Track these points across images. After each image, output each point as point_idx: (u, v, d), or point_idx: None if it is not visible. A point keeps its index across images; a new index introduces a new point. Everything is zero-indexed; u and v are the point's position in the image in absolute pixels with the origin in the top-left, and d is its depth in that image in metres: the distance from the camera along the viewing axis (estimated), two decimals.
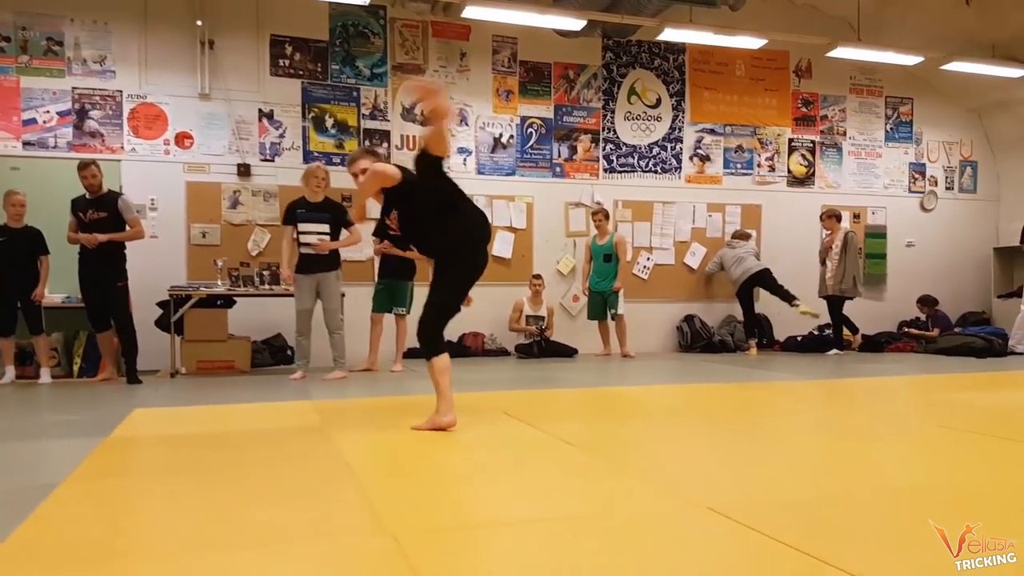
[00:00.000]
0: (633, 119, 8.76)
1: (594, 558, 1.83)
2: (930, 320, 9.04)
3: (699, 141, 9.02)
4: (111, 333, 5.95)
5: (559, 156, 8.51)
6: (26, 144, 6.84)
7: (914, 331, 8.95)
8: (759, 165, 9.24)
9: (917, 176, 9.93)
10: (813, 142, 9.45)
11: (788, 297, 8.15)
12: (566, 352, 7.96)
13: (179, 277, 7.05)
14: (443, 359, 3.46)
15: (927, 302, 9.11)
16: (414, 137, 7.96)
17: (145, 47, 7.15)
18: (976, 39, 8.87)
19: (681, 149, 8.95)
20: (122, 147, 7.10)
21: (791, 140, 9.36)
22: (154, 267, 6.89)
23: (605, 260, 8.00)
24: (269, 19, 7.49)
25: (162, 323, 6.43)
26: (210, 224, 7.33)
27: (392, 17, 7.87)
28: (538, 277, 8.03)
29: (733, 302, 8.71)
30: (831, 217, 8.44)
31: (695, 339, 8.69)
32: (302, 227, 5.86)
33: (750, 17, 8.12)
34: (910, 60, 8.56)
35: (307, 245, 5.84)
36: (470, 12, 7.09)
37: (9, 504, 2.34)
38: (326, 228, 5.91)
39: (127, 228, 5.88)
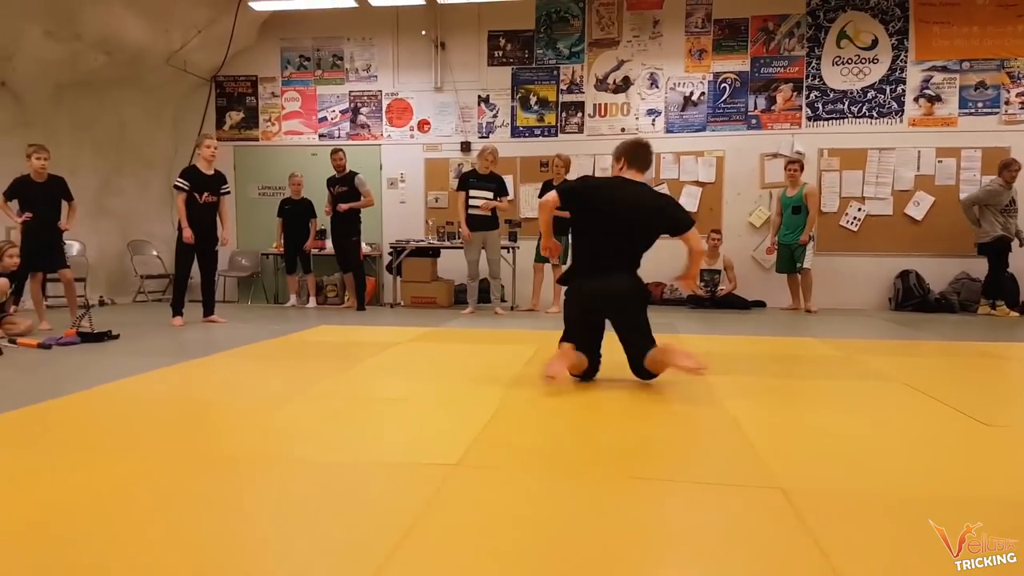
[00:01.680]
0: (843, 63, 8.35)
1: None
2: None
3: (927, 81, 8.20)
4: (350, 275, 8.08)
5: (755, 108, 8.56)
6: (321, 136, 9.42)
7: None
8: (1007, 103, 8.04)
9: None
10: None
11: None
12: (742, 304, 8.14)
13: (420, 233, 9.04)
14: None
15: None
16: (605, 105, 8.81)
17: (397, 54, 9.21)
18: None
19: (904, 91, 8.25)
20: (382, 134, 9.31)
21: None
22: (401, 225, 9.03)
23: (794, 212, 7.93)
24: (488, 18, 8.98)
25: (389, 268, 8.48)
26: (441, 191, 9.20)
27: (590, 0, 8.78)
28: (717, 231, 8.32)
29: (968, 258, 7.86)
30: None
31: (907, 296, 8.07)
32: (473, 193, 7.28)
33: None
34: None
35: (476, 207, 7.25)
36: None
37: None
38: (491, 195, 7.25)
39: (361, 199, 7.90)
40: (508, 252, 8.21)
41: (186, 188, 6.18)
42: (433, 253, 8.42)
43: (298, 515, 1.84)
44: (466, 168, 8.52)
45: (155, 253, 9.16)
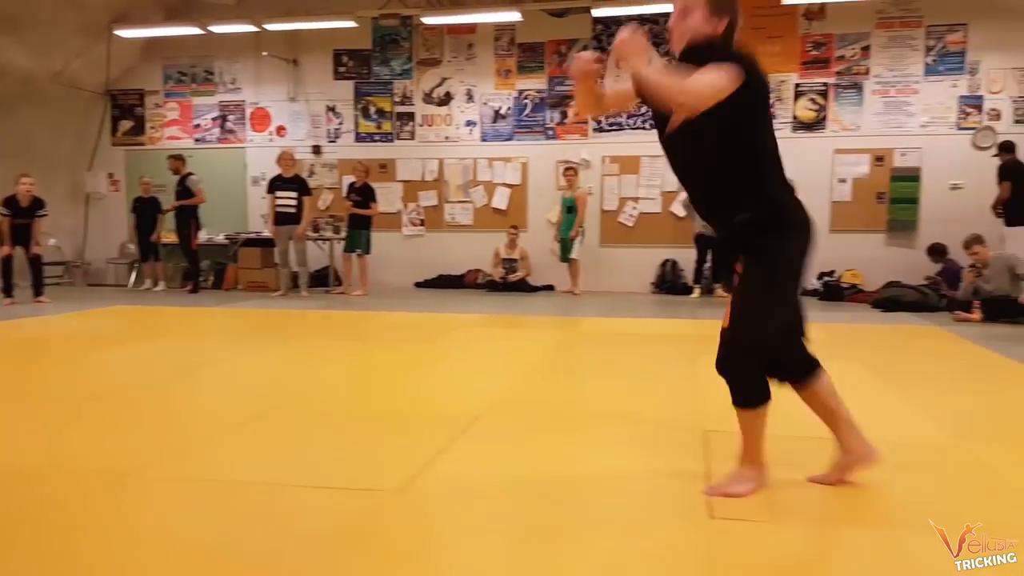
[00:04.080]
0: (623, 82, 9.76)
1: None
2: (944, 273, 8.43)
3: None
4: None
5: (551, 121, 10.02)
6: (196, 140, 11.01)
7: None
8: None
9: (970, 110, 8.91)
10: (825, 85, 9.22)
11: None
12: (529, 288, 9.69)
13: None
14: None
15: (936, 252, 8.49)
16: (432, 116, 10.32)
17: (258, 69, 10.73)
18: None
19: None
20: (246, 139, 10.88)
21: (797, 85, 9.29)
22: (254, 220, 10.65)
23: (569, 211, 9.43)
24: (334, 39, 10.43)
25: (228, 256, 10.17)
26: None
27: (417, 24, 10.20)
28: (514, 227, 9.84)
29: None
30: None
31: (664, 281, 9.60)
32: (279, 194, 8.85)
33: None
34: None
35: (281, 206, 8.82)
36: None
37: None
38: (295, 195, 8.83)
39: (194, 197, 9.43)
40: (326, 244, 9.87)
41: (7, 214, 7.95)
42: (268, 243, 9.98)
43: None
44: (316, 170, 10.12)
45: (54, 242, 10.84)
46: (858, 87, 9.16)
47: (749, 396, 2.23)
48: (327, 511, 2.18)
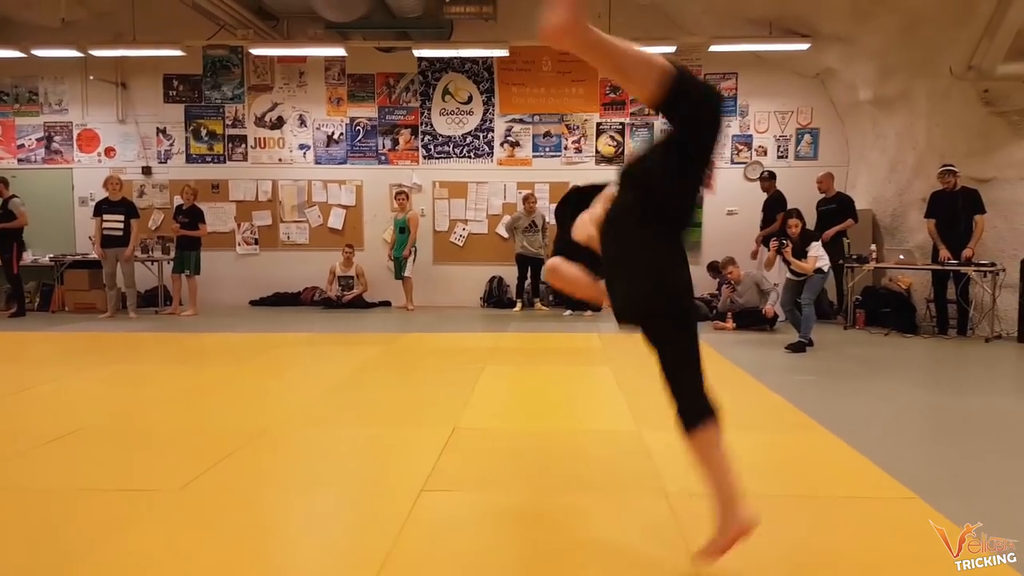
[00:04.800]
0: (448, 114, 10.61)
1: None
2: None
3: (509, 130, 10.59)
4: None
5: (384, 147, 10.69)
6: (20, 161, 10.78)
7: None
8: (566, 148, 10.56)
9: (741, 147, 10.43)
10: (623, 124, 10.48)
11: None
12: (365, 304, 10.31)
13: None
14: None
15: (714, 268, 9.86)
16: (264, 139, 10.71)
17: (85, 91, 10.68)
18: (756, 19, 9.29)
19: (493, 137, 10.61)
20: (74, 159, 10.79)
21: (599, 124, 10.50)
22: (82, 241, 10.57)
23: (401, 232, 10.14)
24: (163, 64, 10.58)
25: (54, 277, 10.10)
26: None
27: (247, 53, 10.56)
28: (350, 246, 10.42)
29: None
30: None
31: (491, 296, 10.50)
32: (106, 217, 8.98)
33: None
34: (668, 48, 9.31)
35: (109, 229, 8.96)
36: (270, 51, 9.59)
37: None
38: (122, 218, 8.99)
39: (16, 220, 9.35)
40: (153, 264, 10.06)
41: None
42: (95, 265, 10.00)
43: None
44: (147, 190, 10.24)
45: None
46: (649, 126, 10.47)
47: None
48: (104, 509, 2.76)
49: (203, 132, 10.75)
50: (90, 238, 9.69)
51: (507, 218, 10.55)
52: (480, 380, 5.13)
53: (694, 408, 2.17)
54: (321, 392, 4.85)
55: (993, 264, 7.56)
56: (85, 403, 4.63)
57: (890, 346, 7.18)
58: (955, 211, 7.79)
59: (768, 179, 9.47)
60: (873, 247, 8.46)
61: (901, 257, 8.35)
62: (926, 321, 8.18)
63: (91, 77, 10.39)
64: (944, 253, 7.79)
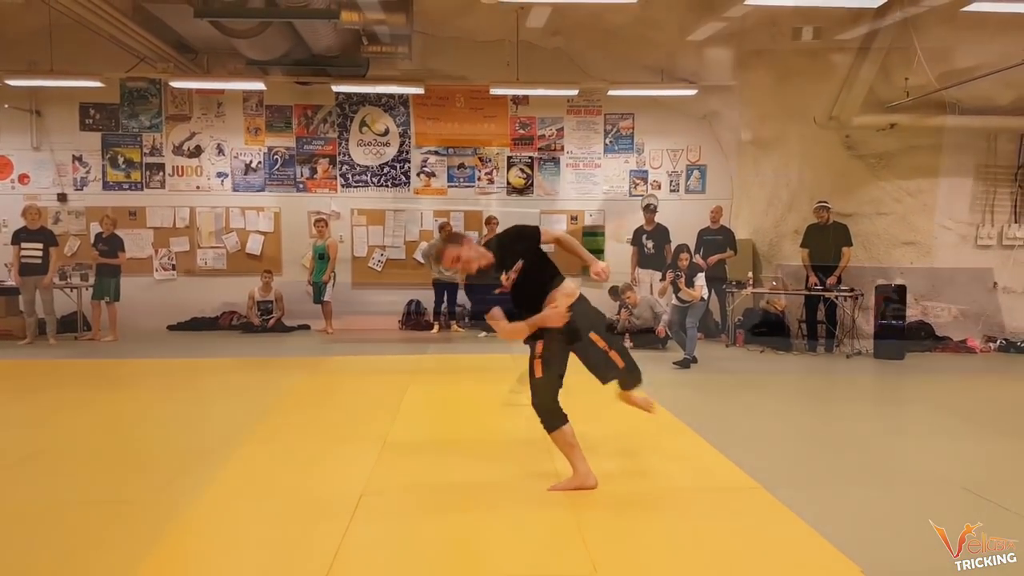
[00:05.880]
0: (366, 145, 11.13)
1: None
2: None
3: (425, 161, 11.21)
4: None
5: (302, 176, 11.10)
6: None
7: None
8: (479, 179, 11.26)
9: (638, 181, 11.41)
10: (531, 158, 11.29)
11: None
12: (285, 328, 10.65)
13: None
14: (565, 431, 3.57)
15: (614, 292, 10.72)
16: (183, 167, 10.92)
17: None
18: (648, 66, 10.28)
19: (410, 167, 11.20)
20: None
21: (510, 157, 11.27)
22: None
23: (320, 257, 10.53)
24: (79, 93, 10.63)
25: None
26: None
27: (165, 83, 10.77)
28: (268, 271, 10.75)
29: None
30: None
31: (410, 319, 11.03)
32: (24, 246, 9.04)
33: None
34: (570, 92, 10.21)
35: (27, 257, 9.02)
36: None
37: None
38: (40, 245, 9.06)
39: None
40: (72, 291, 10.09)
41: None
42: (12, 291, 9.96)
43: None
44: (63, 217, 10.28)
45: None
46: (556, 160, 11.32)
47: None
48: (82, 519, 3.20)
49: (120, 160, 10.86)
50: (7, 265, 9.66)
51: (424, 245, 11.12)
52: (405, 398, 5.70)
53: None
54: (256, 414, 5.31)
55: (852, 289, 8.71)
56: (27, 429, 4.92)
57: (765, 361, 8.18)
58: (826, 243, 8.92)
59: (652, 211, 10.36)
60: (750, 274, 9.52)
61: (774, 283, 9.44)
62: (798, 339, 9.27)
63: (5, 105, 10.35)
64: (813, 279, 8.90)
